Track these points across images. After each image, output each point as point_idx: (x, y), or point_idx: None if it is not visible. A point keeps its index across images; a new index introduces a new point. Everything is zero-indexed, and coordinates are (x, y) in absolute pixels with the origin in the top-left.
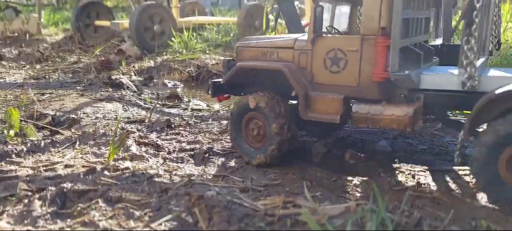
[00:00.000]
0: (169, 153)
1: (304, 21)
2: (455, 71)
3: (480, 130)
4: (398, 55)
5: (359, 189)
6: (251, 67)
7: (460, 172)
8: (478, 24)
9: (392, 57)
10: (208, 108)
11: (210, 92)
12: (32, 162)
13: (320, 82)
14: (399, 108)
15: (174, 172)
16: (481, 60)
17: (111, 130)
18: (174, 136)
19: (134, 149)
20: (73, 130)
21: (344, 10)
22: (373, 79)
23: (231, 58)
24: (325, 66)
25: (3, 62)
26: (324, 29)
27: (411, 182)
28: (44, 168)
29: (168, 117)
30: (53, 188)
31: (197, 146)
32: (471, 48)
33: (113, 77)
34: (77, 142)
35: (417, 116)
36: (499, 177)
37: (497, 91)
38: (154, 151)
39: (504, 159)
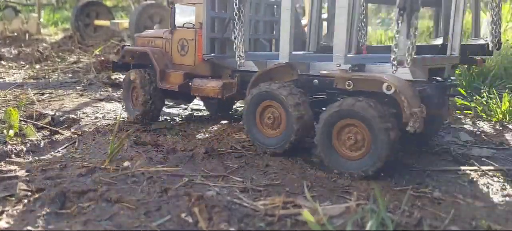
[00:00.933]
0: (169, 153)
1: (304, 21)
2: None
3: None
4: (209, 43)
5: (359, 189)
6: (131, 50)
7: (460, 172)
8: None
9: (205, 44)
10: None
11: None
12: (32, 162)
13: (175, 63)
14: (214, 82)
15: (174, 172)
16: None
17: (111, 130)
18: (174, 136)
19: (134, 149)
20: (72, 130)
21: None
22: (199, 59)
23: (126, 44)
24: (178, 51)
25: (3, 62)
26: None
27: (411, 182)
28: (44, 168)
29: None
30: (52, 188)
31: (197, 146)
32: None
33: (112, 77)
34: (77, 142)
35: (227, 88)
36: (255, 125)
37: (257, 71)
38: (154, 151)
39: (259, 112)
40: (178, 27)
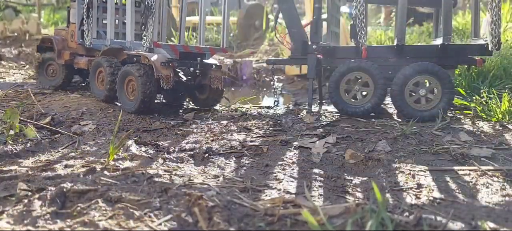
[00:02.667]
0: (169, 153)
1: (304, 21)
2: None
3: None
4: (80, 33)
5: (359, 189)
6: (46, 38)
7: (460, 172)
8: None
9: (77, 34)
10: (208, 108)
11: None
12: (32, 162)
13: (69, 46)
14: (85, 58)
15: (174, 172)
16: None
17: (111, 130)
18: (174, 136)
19: (134, 149)
20: (73, 130)
21: None
22: (76, 44)
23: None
24: (70, 38)
25: (3, 62)
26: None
27: (411, 182)
28: (44, 168)
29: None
30: (53, 188)
31: (197, 146)
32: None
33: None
34: (77, 142)
35: (90, 62)
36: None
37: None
38: (154, 151)
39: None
40: (71, 22)
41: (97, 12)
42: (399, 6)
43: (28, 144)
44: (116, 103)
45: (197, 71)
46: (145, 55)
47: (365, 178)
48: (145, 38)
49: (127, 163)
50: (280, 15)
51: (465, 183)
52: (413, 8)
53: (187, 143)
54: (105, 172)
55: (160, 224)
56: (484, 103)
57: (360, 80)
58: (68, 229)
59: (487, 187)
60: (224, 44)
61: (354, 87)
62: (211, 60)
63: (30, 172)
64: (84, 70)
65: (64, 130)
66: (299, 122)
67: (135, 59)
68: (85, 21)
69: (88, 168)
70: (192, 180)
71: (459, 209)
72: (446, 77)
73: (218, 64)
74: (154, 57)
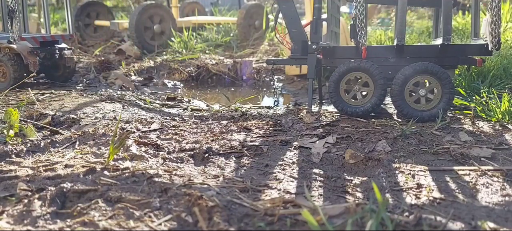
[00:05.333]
0: (169, 153)
1: (304, 21)
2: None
3: None
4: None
5: (359, 189)
6: None
7: (460, 172)
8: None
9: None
10: (208, 108)
11: None
12: (32, 162)
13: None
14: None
15: (174, 172)
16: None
17: (111, 130)
18: (174, 136)
19: (134, 149)
20: (73, 130)
21: None
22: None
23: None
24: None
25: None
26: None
27: (411, 182)
28: (44, 168)
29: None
30: (53, 188)
31: (197, 146)
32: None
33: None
34: (77, 142)
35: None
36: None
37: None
38: (154, 151)
39: None
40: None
41: None
42: (399, 6)
43: (28, 144)
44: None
45: (56, 53)
46: (8, 45)
47: (365, 178)
48: (12, 35)
49: (127, 163)
50: (280, 15)
51: (465, 183)
52: None
53: (187, 143)
54: (105, 172)
55: (160, 224)
56: (484, 103)
57: (360, 80)
58: (68, 229)
59: (487, 187)
60: (70, 31)
61: (354, 87)
62: (63, 45)
63: (30, 172)
64: None
65: (64, 130)
66: (299, 122)
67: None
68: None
69: (88, 168)
70: (192, 180)
71: (459, 209)
72: (446, 77)
73: (69, 48)
74: (21, 48)
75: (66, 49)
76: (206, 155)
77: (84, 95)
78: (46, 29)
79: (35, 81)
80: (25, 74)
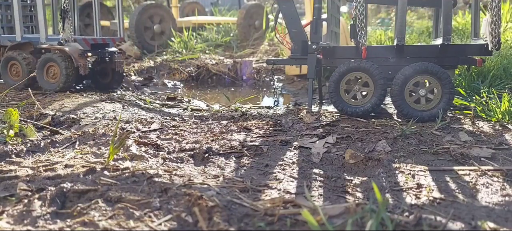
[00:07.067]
0: (169, 153)
1: (304, 21)
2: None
3: None
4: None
5: (359, 189)
6: None
7: (460, 172)
8: None
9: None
10: (208, 108)
11: None
12: (32, 162)
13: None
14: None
15: (174, 172)
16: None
17: (111, 130)
18: (174, 136)
19: (134, 149)
20: (73, 130)
21: None
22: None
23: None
24: None
25: None
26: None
27: (411, 182)
28: (44, 168)
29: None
30: (53, 188)
31: (197, 146)
32: None
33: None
34: (77, 142)
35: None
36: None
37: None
38: (154, 151)
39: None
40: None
41: None
42: (399, 6)
43: (28, 144)
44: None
45: (107, 57)
46: (62, 48)
47: (365, 178)
48: (63, 35)
49: (127, 163)
50: (280, 15)
51: (465, 183)
52: None
53: (187, 143)
54: (105, 172)
55: (160, 224)
56: (484, 103)
57: (360, 80)
58: (68, 229)
59: (487, 187)
60: (121, 34)
61: (354, 87)
62: (114, 49)
63: (30, 172)
64: None
65: (64, 130)
66: (299, 122)
67: (43, 51)
68: None
69: (88, 168)
70: (192, 180)
71: (459, 209)
72: (446, 77)
73: (119, 51)
74: (72, 50)
75: (116, 53)
76: (206, 155)
77: (84, 95)
78: (96, 32)
79: (80, 87)
80: (74, 77)
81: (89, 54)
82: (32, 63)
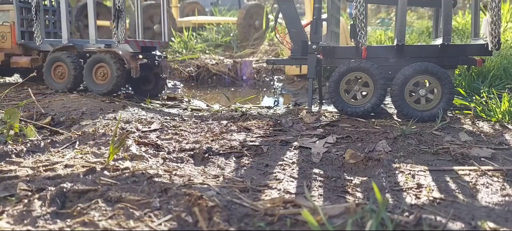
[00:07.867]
0: (169, 153)
1: (304, 21)
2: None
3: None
4: (20, 34)
5: (359, 189)
6: None
7: (460, 172)
8: None
9: (17, 34)
10: (208, 108)
11: None
12: (32, 162)
13: (1, 47)
14: (26, 58)
15: (174, 172)
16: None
17: (111, 130)
18: (174, 136)
19: (134, 149)
20: (73, 130)
21: None
22: (14, 44)
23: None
24: (2, 40)
25: None
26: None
27: (411, 182)
28: (44, 168)
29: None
30: (53, 188)
31: (197, 146)
32: None
33: None
34: (77, 142)
35: (34, 61)
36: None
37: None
38: (154, 151)
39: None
40: (3, 23)
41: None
42: (399, 6)
43: (28, 144)
44: (116, 102)
45: (156, 61)
46: (115, 50)
47: (365, 178)
48: (115, 36)
49: (127, 163)
50: (280, 15)
51: (465, 183)
52: None
53: (187, 143)
54: (105, 172)
55: (160, 224)
56: (484, 103)
57: (360, 80)
58: (68, 229)
59: (487, 187)
60: (165, 38)
61: (354, 87)
62: (158, 53)
63: (30, 172)
64: (25, 68)
65: (64, 130)
66: (299, 122)
67: (88, 54)
68: (34, 22)
69: (88, 168)
70: (192, 180)
71: (459, 209)
72: (446, 77)
73: (165, 56)
74: (124, 52)
75: (162, 57)
76: (206, 155)
77: (84, 95)
78: (138, 34)
79: (123, 91)
80: (124, 80)
81: (140, 56)
82: (78, 65)
